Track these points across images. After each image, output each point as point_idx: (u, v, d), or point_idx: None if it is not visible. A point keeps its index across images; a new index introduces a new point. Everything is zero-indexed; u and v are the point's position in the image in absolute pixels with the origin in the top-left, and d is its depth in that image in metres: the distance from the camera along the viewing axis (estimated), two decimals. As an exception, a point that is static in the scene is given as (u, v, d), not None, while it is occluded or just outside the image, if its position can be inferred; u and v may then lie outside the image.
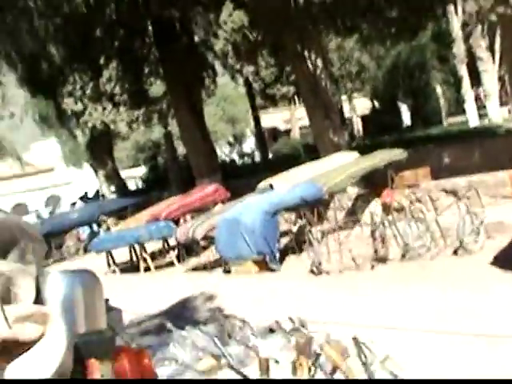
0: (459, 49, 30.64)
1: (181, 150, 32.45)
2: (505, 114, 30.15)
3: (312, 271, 11.53)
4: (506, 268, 9.00)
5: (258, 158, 37.59)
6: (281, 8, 15.53)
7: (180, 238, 14.76)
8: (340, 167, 13.58)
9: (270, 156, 34.89)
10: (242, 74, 33.83)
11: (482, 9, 13.88)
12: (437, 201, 12.76)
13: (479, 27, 28.95)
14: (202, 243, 15.12)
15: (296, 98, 37.49)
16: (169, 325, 5.51)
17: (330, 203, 14.54)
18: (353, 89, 39.82)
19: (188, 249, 15.79)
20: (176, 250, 16.18)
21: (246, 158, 40.15)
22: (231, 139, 47.38)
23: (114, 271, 16.40)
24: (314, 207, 13.05)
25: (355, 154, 14.89)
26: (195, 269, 14.49)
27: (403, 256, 11.12)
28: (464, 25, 30.23)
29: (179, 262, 15.67)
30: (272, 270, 12.36)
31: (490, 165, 14.91)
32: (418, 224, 11.56)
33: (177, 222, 16.51)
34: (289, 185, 13.28)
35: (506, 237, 10.62)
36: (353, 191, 15.17)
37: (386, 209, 12.94)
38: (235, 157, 43.19)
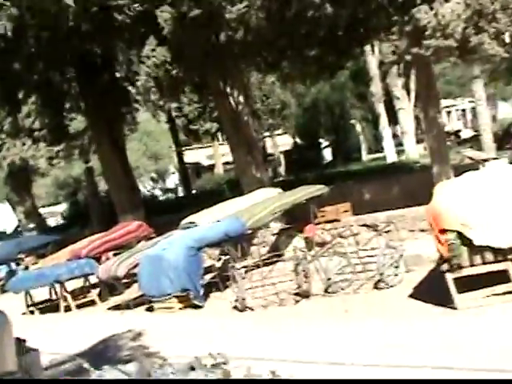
0: (377, 87, 31.66)
1: (102, 185, 31.92)
2: (421, 151, 31.18)
3: (236, 307, 11.49)
4: (425, 300, 9.23)
5: (181, 193, 37.43)
6: (203, 44, 15.64)
7: (102, 275, 14.42)
8: (263, 203, 13.67)
9: (194, 192, 34.81)
10: (165, 110, 33.80)
11: (398, 49, 14.38)
12: (358, 235, 13.01)
13: (395, 67, 30.03)
14: (125, 281, 14.82)
15: (219, 134, 37.67)
16: (86, 365, 5.35)
17: (253, 238, 14.59)
18: (275, 125, 40.36)
19: (110, 287, 15.44)
20: (98, 289, 15.79)
21: (169, 194, 39.91)
22: (154, 175, 47.01)
23: (32, 312, 15.82)
24: (237, 243, 13.07)
25: (278, 190, 15.05)
26: (117, 307, 14.17)
27: (326, 290, 11.23)
28: (381, 64, 31.30)
29: (101, 300, 15.29)
30: (196, 307, 12.22)
31: (407, 199, 15.37)
32: (340, 258, 11.75)
33: (98, 260, 16.15)
34: (212, 221, 13.26)
35: (423, 269, 10.92)
36: (276, 226, 15.28)
37: (309, 244, 13.13)
38: (158, 193, 42.87)
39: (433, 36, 12.48)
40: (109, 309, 14.39)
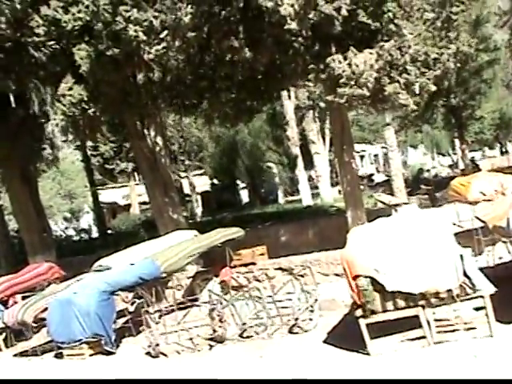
0: (293, 131, 32.26)
1: (12, 225, 30.79)
2: (335, 194, 31.84)
3: (149, 353, 11.19)
4: (339, 345, 9.27)
5: (95, 234, 36.58)
6: (121, 84, 15.50)
7: (8, 320, 13.75)
8: (179, 245, 13.47)
9: (109, 232, 34.09)
10: (81, 149, 33.22)
11: (312, 95, 14.72)
12: (273, 279, 13.00)
13: (311, 112, 30.77)
14: (34, 325, 14.20)
15: (135, 173, 37.29)
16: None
17: (168, 282, 14.34)
18: (192, 166, 40.36)
19: (17, 332, 14.74)
20: (3, 334, 15.05)
21: (82, 234, 38.91)
22: (68, 214, 45.81)
23: None
24: (152, 286, 12.78)
25: (194, 232, 14.90)
26: (24, 354, 13.52)
27: (241, 335, 11.12)
28: (297, 109, 32.00)
29: (7, 346, 14.56)
30: (107, 353, 11.83)
31: (323, 242, 15.57)
32: (256, 303, 11.69)
33: (6, 304, 15.43)
34: (127, 263, 12.94)
35: (338, 314, 11.00)
36: (191, 269, 15.09)
37: (224, 287, 13.00)
38: (72, 233, 41.73)
39: (347, 84, 12.84)
40: (15, 355, 13.71)
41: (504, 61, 35.89)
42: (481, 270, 8.74)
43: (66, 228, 42.67)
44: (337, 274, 12.61)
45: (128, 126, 18.55)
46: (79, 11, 14.35)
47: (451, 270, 8.28)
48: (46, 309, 12.87)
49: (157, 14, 13.93)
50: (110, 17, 13.71)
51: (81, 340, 11.85)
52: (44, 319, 12.98)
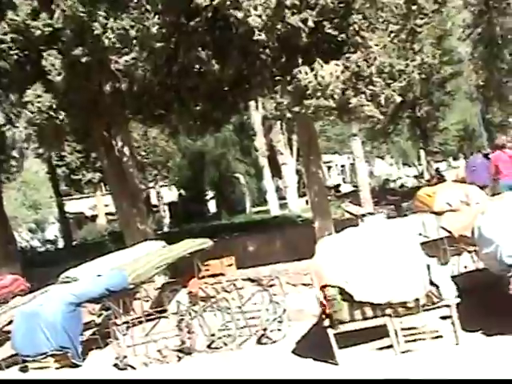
0: (260, 142, 32.37)
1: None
2: (303, 205, 32.01)
3: (116, 365, 11.08)
4: (308, 355, 9.30)
5: (61, 245, 36.16)
6: (88, 92, 15.40)
7: (-29, 334, 13.51)
8: (146, 256, 13.38)
9: (75, 243, 33.72)
10: (46, 159, 32.85)
11: (280, 106, 14.78)
12: (241, 290, 12.98)
13: (278, 123, 30.92)
14: (-3, 338, 13.96)
15: (102, 184, 36.99)
16: None
17: (136, 293, 14.22)
18: (160, 177, 40.20)
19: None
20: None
21: (48, 246, 38.42)
22: (33, 225, 45.20)
23: None
24: (119, 297, 12.66)
25: (162, 243, 14.81)
26: (-13, 368, 13.27)
27: (209, 346, 11.08)
28: (264, 119, 32.14)
29: (-31, 360, 14.27)
30: (74, 366, 11.67)
31: (291, 253, 15.61)
32: (224, 313, 11.67)
33: (-32, 317, 15.13)
34: (94, 275, 12.80)
35: (306, 324, 11.03)
36: (159, 280, 14.99)
37: (193, 298, 12.94)
38: (37, 244, 41.17)
39: (313, 96, 12.93)
40: (-24, 370, 13.46)
41: (467, 73, 36.55)
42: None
43: (31, 239, 42.12)
44: (305, 284, 12.65)
45: (95, 136, 18.38)
46: (51, 18, 14.22)
47: (418, 280, 8.38)
48: (10, 322, 12.67)
49: (132, 23, 13.89)
50: (86, 24, 13.62)
51: (46, 353, 11.69)
52: (8, 332, 12.78)
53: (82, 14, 13.70)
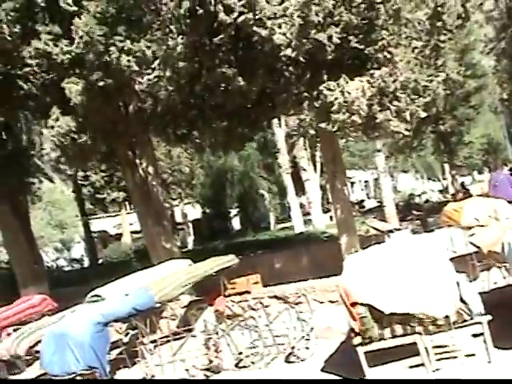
0: (284, 159, 32.34)
1: (3, 256, 30.56)
2: (327, 221, 31.87)
3: (145, 385, 11.08)
4: (336, 373, 9.21)
5: (87, 264, 36.37)
6: (111, 114, 15.54)
7: (0, 353, 13.59)
8: (172, 275, 13.39)
9: (101, 262, 33.89)
10: (71, 179, 33.19)
11: (303, 123, 14.75)
12: (268, 307, 12.92)
13: (302, 140, 30.90)
14: (26, 358, 14.01)
15: (127, 202, 37.21)
16: None
17: (162, 312, 14.22)
18: (184, 195, 40.35)
19: (10, 365, 14.54)
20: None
21: (74, 265, 38.67)
22: (59, 244, 45.54)
23: None
24: (146, 316, 12.67)
25: (187, 261, 14.82)
26: (17, 387, 13.36)
27: (237, 365, 11.02)
28: (288, 136, 32.14)
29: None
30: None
31: (316, 270, 15.51)
32: (251, 332, 11.62)
33: (-2, 336, 15.24)
34: (120, 294, 12.83)
35: (334, 342, 10.93)
36: (186, 299, 14.98)
37: (219, 317, 12.90)
38: (63, 263, 41.46)
39: (339, 111, 12.90)
40: (7, 389, 13.54)
41: (491, 86, 36.32)
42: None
43: (58, 258, 42.44)
44: (332, 301, 12.54)
45: (119, 156, 18.53)
46: (70, 44, 14.44)
47: (448, 296, 8.27)
48: (39, 341, 12.72)
49: (149, 44, 14.04)
50: (103, 47, 13.80)
51: (75, 372, 11.71)
52: (37, 352, 12.82)
53: (99, 38, 13.87)
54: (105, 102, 15.15)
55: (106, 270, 24.19)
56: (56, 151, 16.43)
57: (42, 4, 15.34)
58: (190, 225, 44.25)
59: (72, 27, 14.27)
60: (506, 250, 8.85)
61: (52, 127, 15.52)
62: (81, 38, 14.08)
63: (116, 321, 12.65)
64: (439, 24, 14.29)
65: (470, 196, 22.05)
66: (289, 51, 12.48)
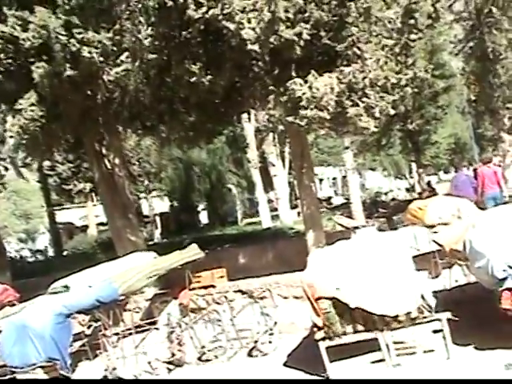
0: (253, 154, 32.36)
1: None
2: (294, 217, 31.98)
3: (106, 377, 10.99)
4: (298, 368, 9.25)
5: (51, 255, 35.96)
6: (79, 102, 15.34)
7: (-42, 344, 13.35)
8: (137, 267, 13.30)
9: (65, 253, 33.55)
10: (37, 169, 32.77)
11: (272, 118, 14.76)
12: (232, 302, 12.93)
13: (271, 135, 30.94)
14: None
15: (93, 194, 36.89)
16: None
17: (126, 304, 14.13)
18: (151, 188, 40.11)
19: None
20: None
21: (38, 256, 38.22)
22: (23, 235, 44.97)
23: None
24: (109, 309, 12.58)
25: (152, 254, 14.74)
26: (-25, 379, 13.13)
27: (199, 359, 11.01)
28: (257, 131, 32.16)
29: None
30: (63, 378, 11.55)
31: (282, 265, 15.53)
32: (215, 325, 11.62)
33: (-44, 328, 14.97)
34: (83, 285, 12.71)
35: (297, 336, 10.98)
36: (150, 292, 14.90)
37: (183, 310, 12.87)
38: (27, 254, 40.95)
39: (307, 107, 12.93)
40: (-36, 381, 13.31)
41: (459, 87, 36.76)
42: (438, 292, 8.86)
43: (21, 249, 41.90)
44: (296, 297, 12.58)
45: (86, 146, 18.33)
46: (37, 30, 14.20)
47: (410, 293, 8.37)
48: (-1, 332, 12.55)
49: (114, 35, 13.86)
50: (65, 38, 13.59)
51: (35, 364, 11.58)
52: (-3, 343, 12.64)
53: (58, 30, 13.64)
54: (73, 91, 14.92)
55: (71, 261, 23.93)
56: (22, 137, 16.13)
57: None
58: (157, 218, 44.05)
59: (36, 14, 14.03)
60: (468, 248, 8.97)
61: (19, 114, 15.22)
62: (42, 27, 13.85)
63: (79, 312, 12.51)
64: (410, 23, 14.40)
65: (436, 195, 22.33)
66: (256, 47, 12.48)
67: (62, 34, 13.59)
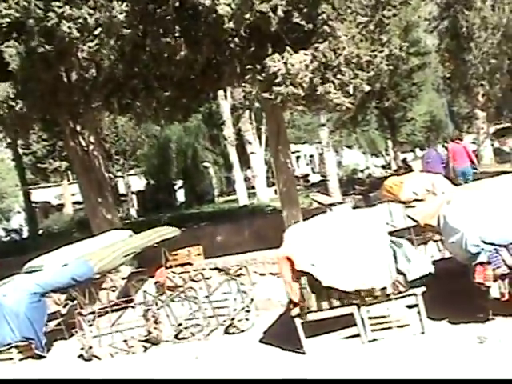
0: (229, 131, 32.21)
1: None
2: (271, 194, 32.00)
3: (81, 356, 10.98)
4: (275, 345, 9.31)
5: (27, 234, 35.65)
6: (52, 82, 15.12)
7: None
8: (113, 245, 13.26)
9: (40, 232, 33.27)
10: (12, 147, 32.33)
11: (249, 95, 14.70)
12: (209, 279, 12.95)
13: (247, 112, 30.80)
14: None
15: (69, 172, 36.55)
16: None
17: (102, 283, 14.09)
18: (127, 166, 39.83)
19: None
20: None
21: (13, 235, 37.86)
22: (-3, 214, 44.56)
23: None
24: (85, 287, 12.53)
25: (128, 232, 14.68)
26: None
27: (176, 336, 11.03)
28: (233, 109, 31.99)
29: None
30: (38, 357, 11.52)
31: (259, 242, 15.58)
32: (191, 303, 11.63)
33: None
34: (59, 264, 12.63)
35: (274, 313, 11.04)
36: (126, 270, 14.87)
37: (160, 288, 12.87)
38: (1, 233, 40.56)
39: (282, 84, 12.89)
40: None
41: (434, 65, 36.86)
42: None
43: (-4, 228, 41.54)
44: (273, 274, 12.64)
45: (61, 125, 18.10)
46: (8, 7, 13.92)
47: (384, 268, 8.44)
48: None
49: (91, 11, 13.66)
50: (42, 13, 13.35)
51: (10, 344, 11.52)
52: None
53: (36, 3, 13.40)
54: (45, 69, 14.69)
55: (46, 240, 23.75)
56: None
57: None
58: (134, 196, 43.83)
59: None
60: (442, 224, 9.06)
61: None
62: (17, 3, 13.60)
63: (54, 291, 12.46)
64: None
65: (412, 172, 22.50)
66: (231, 24, 12.39)
67: (41, 8, 13.35)
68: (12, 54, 14.12)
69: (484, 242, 8.09)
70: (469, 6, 26.62)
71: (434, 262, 9.68)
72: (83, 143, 17.70)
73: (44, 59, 14.31)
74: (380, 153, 61.57)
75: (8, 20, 14.18)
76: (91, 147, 17.88)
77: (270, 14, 12.39)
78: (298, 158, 60.91)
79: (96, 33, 13.63)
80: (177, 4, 13.18)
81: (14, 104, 14.72)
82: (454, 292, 9.04)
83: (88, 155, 17.79)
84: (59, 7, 13.37)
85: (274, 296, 11.62)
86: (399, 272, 8.52)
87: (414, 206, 11.24)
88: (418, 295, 8.53)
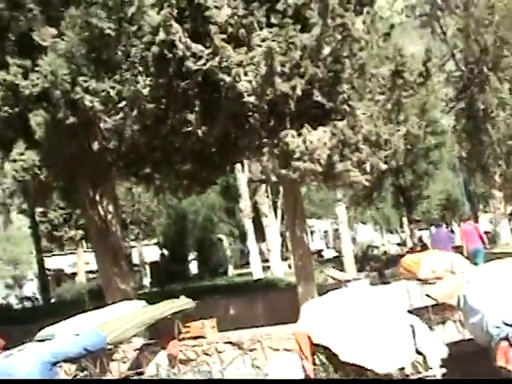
0: (245, 204, 32.40)
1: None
2: (285, 268, 31.87)
3: (91, 429, 10.75)
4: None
5: (39, 302, 35.52)
6: (75, 150, 15.41)
7: None
8: (126, 316, 13.15)
9: (53, 300, 33.15)
10: (29, 215, 32.65)
11: (266, 169, 14.90)
12: (222, 353, 12.75)
13: (264, 186, 31.06)
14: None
15: (83, 241, 36.71)
16: None
17: (113, 354, 13.91)
18: (142, 235, 39.97)
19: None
20: None
21: (26, 302, 37.75)
22: (10, 281, 44.47)
23: None
24: (96, 358, 12.38)
25: (142, 303, 14.58)
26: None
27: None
28: (250, 182, 32.29)
29: None
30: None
31: (273, 316, 15.41)
32: (204, 377, 11.44)
33: None
34: (71, 333, 12.53)
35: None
36: (139, 341, 14.69)
37: (172, 361, 12.69)
38: (13, 300, 40.43)
39: (300, 159, 13.05)
40: None
41: (450, 144, 37.24)
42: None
43: (8, 295, 41.41)
44: (287, 349, 12.42)
45: (80, 194, 18.32)
46: (38, 78, 14.36)
47: (404, 348, 8.29)
48: (-16, 380, 12.28)
49: (114, 84, 14.06)
50: (69, 86, 13.77)
51: (18, 414, 11.31)
52: (-19, 391, 12.37)
53: (64, 77, 13.84)
54: (69, 139, 15.04)
55: (59, 308, 23.65)
56: (15, 185, 16.13)
57: (13, 38, 15.29)
58: (147, 267, 43.76)
59: (39, 62, 14.23)
60: (462, 303, 8.93)
61: (15, 161, 15.28)
62: (45, 76, 14.04)
63: (65, 361, 12.30)
64: (399, 81, 14.69)
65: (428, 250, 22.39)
66: (252, 98, 12.68)
67: (68, 82, 13.78)
68: (39, 123, 14.47)
69: (505, 324, 7.95)
70: (486, 87, 27.04)
71: (453, 343, 9.50)
72: (101, 212, 17.85)
73: (69, 129, 14.64)
74: (395, 230, 61.40)
75: (37, 90, 14.60)
76: (109, 216, 18.02)
77: (289, 92, 12.67)
78: (312, 232, 60.85)
79: (120, 106, 13.98)
80: (199, 79, 13.53)
81: (39, 172, 14.99)
82: (474, 375, 8.82)
83: (106, 224, 17.90)
84: (85, 81, 13.81)
85: (288, 372, 11.38)
86: (418, 352, 8.36)
87: (433, 283, 11.12)
88: (438, 377, 8.34)
